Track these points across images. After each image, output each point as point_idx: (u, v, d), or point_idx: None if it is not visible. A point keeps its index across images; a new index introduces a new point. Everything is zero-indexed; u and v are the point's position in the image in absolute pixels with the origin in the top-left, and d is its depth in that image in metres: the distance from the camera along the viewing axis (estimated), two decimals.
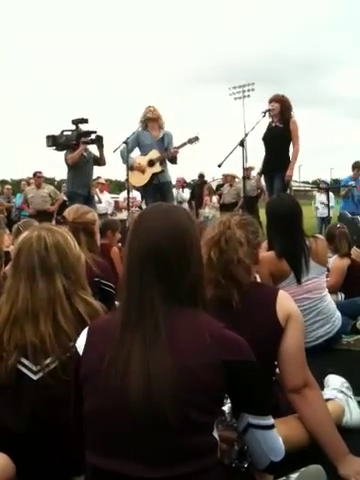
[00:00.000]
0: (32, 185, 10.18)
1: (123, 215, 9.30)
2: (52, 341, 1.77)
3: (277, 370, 2.03)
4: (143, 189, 6.72)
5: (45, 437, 1.74)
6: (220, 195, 11.40)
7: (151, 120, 6.46)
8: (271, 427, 1.49)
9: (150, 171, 6.39)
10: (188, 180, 15.38)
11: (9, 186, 13.82)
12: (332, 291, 4.01)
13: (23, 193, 10.40)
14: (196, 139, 6.46)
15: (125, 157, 6.37)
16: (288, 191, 6.44)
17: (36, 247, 1.85)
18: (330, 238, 4.53)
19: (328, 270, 4.13)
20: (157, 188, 6.48)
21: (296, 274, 3.13)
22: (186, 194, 12.53)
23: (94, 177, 11.49)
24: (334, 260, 4.48)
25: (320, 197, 12.18)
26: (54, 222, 6.72)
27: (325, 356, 3.02)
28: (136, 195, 8.90)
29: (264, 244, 3.04)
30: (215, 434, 1.38)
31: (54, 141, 6.76)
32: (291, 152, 6.32)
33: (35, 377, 1.78)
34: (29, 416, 1.75)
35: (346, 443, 1.88)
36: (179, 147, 6.47)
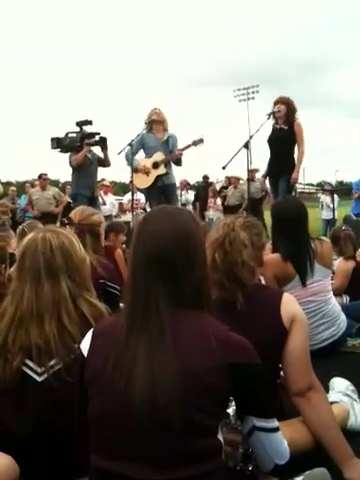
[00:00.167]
0: (37, 187, 10.19)
1: (127, 217, 9.30)
2: (57, 342, 1.77)
3: (282, 373, 2.02)
4: (147, 191, 6.72)
5: (49, 439, 1.74)
6: (224, 197, 11.40)
7: (156, 122, 6.46)
8: (276, 430, 1.49)
9: (155, 173, 6.40)
10: (192, 182, 15.40)
11: (14, 188, 13.85)
12: (337, 293, 4.00)
13: (28, 195, 10.42)
14: (201, 141, 6.46)
15: (130, 159, 6.38)
16: (293, 193, 6.43)
17: (41, 249, 1.85)
18: (335, 240, 4.52)
19: (333, 272, 4.12)
20: (161, 190, 6.49)
21: (301, 277, 3.12)
22: (190, 196, 12.54)
23: (98, 179, 11.55)
24: (339, 262, 4.46)
25: (325, 199, 12.16)
26: (59, 224, 6.73)
27: (330, 359, 3.01)
28: (140, 197, 8.91)
29: (268, 245, 3.03)
30: (220, 437, 1.38)
31: (58, 143, 6.79)
32: (296, 154, 6.32)
33: (39, 379, 1.78)
34: (33, 418, 1.75)
35: (351, 446, 1.87)
36: (183, 149, 6.47)
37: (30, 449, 1.74)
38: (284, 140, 6.27)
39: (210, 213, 11.61)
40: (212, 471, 1.31)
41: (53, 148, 6.83)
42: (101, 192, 10.73)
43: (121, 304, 3.10)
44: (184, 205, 11.02)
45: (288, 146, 6.28)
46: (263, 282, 2.94)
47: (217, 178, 13.12)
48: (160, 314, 1.34)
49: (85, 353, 1.45)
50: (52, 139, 6.82)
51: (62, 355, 1.77)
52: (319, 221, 12.11)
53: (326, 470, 1.76)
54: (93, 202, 6.59)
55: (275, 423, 1.49)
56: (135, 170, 6.43)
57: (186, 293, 1.39)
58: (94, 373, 1.39)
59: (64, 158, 6.89)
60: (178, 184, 9.96)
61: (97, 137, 6.72)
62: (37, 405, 1.76)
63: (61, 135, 6.84)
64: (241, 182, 10.74)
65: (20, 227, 4.78)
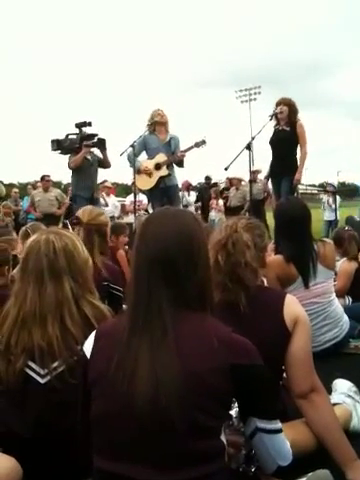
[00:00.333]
0: (39, 188, 10.20)
1: (130, 218, 9.30)
2: (60, 344, 1.77)
3: (284, 374, 2.02)
4: (150, 192, 6.72)
5: (52, 440, 1.74)
6: (225, 198, 11.39)
7: (159, 124, 6.46)
8: (279, 431, 1.49)
9: (157, 175, 6.40)
10: (194, 183, 15.38)
11: (16, 189, 13.87)
12: (340, 295, 4.00)
13: (30, 196, 10.43)
14: (203, 143, 6.46)
15: (132, 161, 6.38)
16: (295, 194, 6.43)
17: (44, 250, 1.85)
18: (339, 241, 4.50)
19: (336, 274, 4.11)
20: (164, 191, 6.49)
21: (304, 278, 3.12)
22: (192, 197, 12.52)
23: (100, 180, 11.55)
24: (342, 263, 4.45)
25: (327, 200, 12.15)
26: (61, 225, 6.74)
27: (333, 360, 3.01)
28: (142, 198, 8.91)
29: (271, 246, 3.03)
30: (223, 438, 1.37)
31: (59, 145, 6.81)
32: (298, 155, 6.31)
33: (42, 381, 1.78)
34: (36, 419, 1.75)
35: (354, 448, 1.87)
36: (186, 151, 6.47)
37: (33, 451, 1.74)
38: (286, 141, 6.26)
39: (212, 214, 11.59)
40: (215, 473, 1.31)
41: (53, 150, 6.84)
42: (103, 193, 10.73)
43: (124, 306, 3.11)
44: (186, 206, 11.01)
45: (290, 147, 6.28)
46: (265, 283, 2.94)
47: (219, 179, 13.11)
48: (162, 315, 1.34)
49: (88, 355, 1.45)
50: (52, 141, 6.83)
51: (65, 357, 1.77)
52: (321, 222, 12.09)
53: (329, 472, 1.76)
54: (93, 203, 6.57)
55: (278, 424, 1.49)
56: (137, 171, 6.43)
57: (189, 295, 1.39)
58: (97, 374, 1.39)
59: (65, 160, 6.92)
60: (180, 185, 9.96)
61: (95, 138, 6.73)
62: (40, 407, 1.76)
63: (61, 137, 6.85)
64: (243, 183, 10.72)
65: (23, 229, 4.79)
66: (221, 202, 11.56)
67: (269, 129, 6.45)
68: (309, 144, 6.31)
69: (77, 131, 6.78)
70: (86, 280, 1.94)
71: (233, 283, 1.96)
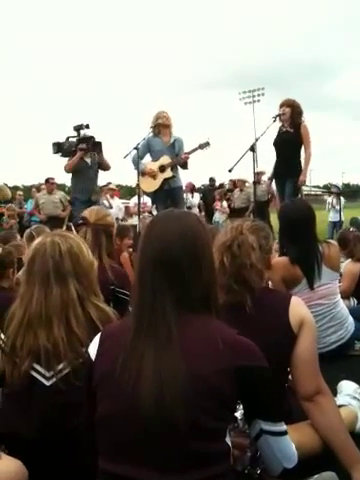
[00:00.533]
0: (43, 191, 10.23)
1: (134, 220, 9.30)
2: (65, 346, 1.78)
3: (290, 376, 2.02)
4: (154, 194, 6.72)
5: (57, 442, 1.75)
6: (228, 199, 11.39)
7: (163, 126, 6.47)
8: (284, 433, 1.49)
9: (161, 177, 6.40)
10: (198, 185, 15.39)
11: (21, 192, 13.91)
12: (344, 296, 3.99)
13: (34, 199, 10.46)
14: (207, 144, 6.45)
15: (136, 163, 6.39)
16: (299, 196, 6.42)
17: (50, 252, 1.86)
18: (343, 243, 4.49)
19: (341, 275, 4.10)
20: (168, 193, 6.49)
21: (309, 280, 3.11)
22: (196, 199, 12.53)
23: (104, 183, 11.56)
24: (347, 265, 4.44)
25: (331, 201, 12.13)
26: (65, 227, 6.76)
27: (338, 362, 3.01)
28: (147, 200, 8.92)
29: (274, 246, 3.02)
30: (228, 440, 1.37)
31: (59, 148, 6.84)
32: (302, 157, 6.31)
33: (48, 383, 1.79)
34: (41, 421, 1.76)
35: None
36: (190, 153, 6.47)
37: (38, 452, 1.75)
38: (290, 143, 6.26)
39: (216, 216, 11.59)
40: (220, 475, 1.31)
41: (54, 153, 6.87)
42: (107, 196, 10.74)
43: (130, 308, 3.10)
44: (189, 208, 11.00)
45: (294, 149, 6.27)
46: (270, 285, 2.94)
47: (223, 181, 13.11)
48: (167, 317, 1.34)
49: (93, 357, 1.45)
50: (53, 144, 6.87)
51: (70, 359, 1.77)
52: (325, 223, 12.07)
53: (335, 474, 1.76)
54: (88, 207, 6.57)
55: (283, 427, 1.48)
56: (142, 173, 6.44)
57: (193, 296, 1.39)
58: (102, 376, 1.39)
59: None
60: (184, 187, 9.96)
61: (90, 141, 6.72)
62: (45, 409, 1.76)
63: (62, 138, 6.88)
64: (247, 185, 10.73)
65: (27, 231, 4.80)
66: (225, 204, 11.55)
67: (273, 130, 6.45)
68: (313, 145, 6.30)
69: (75, 134, 6.81)
70: (91, 282, 1.94)
71: (238, 285, 1.96)
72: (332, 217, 11.88)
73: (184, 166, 6.54)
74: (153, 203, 7.41)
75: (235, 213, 10.11)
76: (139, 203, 6.82)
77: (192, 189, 12.36)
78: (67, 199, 9.97)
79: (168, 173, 6.38)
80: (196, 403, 1.27)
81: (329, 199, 12.65)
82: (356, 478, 1.79)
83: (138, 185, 6.60)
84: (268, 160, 7.00)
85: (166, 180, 6.41)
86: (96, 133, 6.82)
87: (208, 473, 1.29)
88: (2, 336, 1.94)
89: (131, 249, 5.35)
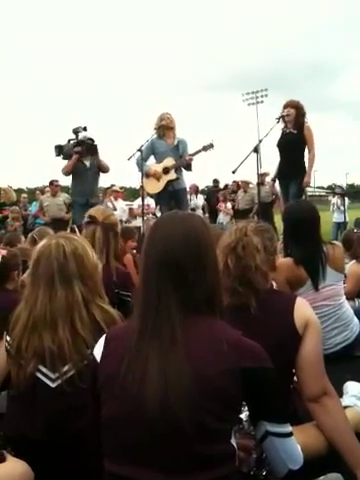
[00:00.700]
0: (48, 193, 10.26)
1: (138, 222, 9.32)
2: (70, 348, 1.78)
3: (295, 378, 2.01)
4: (158, 196, 6.73)
5: (63, 444, 1.75)
6: (233, 201, 11.38)
7: (167, 128, 6.47)
8: (289, 435, 1.48)
9: (165, 178, 6.40)
10: (202, 187, 15.40)
11: (25, 195, 13.94)
12: (349, 297, 3.97)
13: (39, 201, 10.49)
14: (211, 146, 6.46)
15: (140, 165, 6.40)
16: (303, 197, 6.41)
17: (55, 254, 1.87)
18: (348, 244, 4.48)
19: (345, 276, 4.09)
20: (172, 195, 6.50)
21: (313, 281, 3.11)
22: (199, 201, 12.53)
23: (108, 185, 11.58)
24: (351, 266, 4.43)
25: (336, 202, 12.12)
26: (69, 230, 6.77)
27: (343, 363, 3.00)
28: (150, 202, 8.92)
29: (279, 247, 3.02)
30: (233, 442, 1.37)
31: (60, 151, 6.92)
32: (306, 158, 6.30)
33: (53, 385, 1.79)
34: (46, 423, 1.76)
35: None
36: (194, 154, 6.47)
37: (44, 454, 1.75)
38: (294, 144, 6.25)
39: (220, 217, 11.58)
40: (225, 476, 1.31)
41: (57, 156, 6.94)
42: (111, 198, 10.77)
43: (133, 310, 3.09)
44: (193, 210, 11.00)
45: (298, 150, 6.26)
46: (275, 286, 2.93)
47: (228, 183, 13.10)
48: (171, 320, 1.34)
49: (98, 359, 1.45)
50: (55, 147, 6.93)
51: (75, 361, 1.78)
52: (330, 224, 12.06)
53: (340, 475, 1.76)
54: (87, 209, 6.57)
55: (288, 428, 1.48)
56: (146, 175, 6.45)
57: (198, 298, 1.39)
58: (107, 378, 1.39)
59: None
60: (188, 189, 9.96)
61: (84, 145, 6.77)
62: (50, 411, 1.77)
63: (63, 140, 6.95)
64: (251, 186, 10.71)
65: (30, 235, 4.81)
66: (229, 205, 11.55)
67: (276, 132, 6.45)
68: (317, 146, 6.29)
69: (74, 136, 6.85)
70: (96, 284, 1.95)
71: (243, 287, 1.96)
72: (336, 218, 11.87)
73: (188, 168, 6.55)
74: (157, 205, 7.42)
75: (239, 215, 10.10)
76: (143, 205, 6.83)
77: (196, 191, 12.37)
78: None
79: (172, 175, 6.39)
80: (201, 405, 1.27)
81: (333, 200, 12.64)
82: None
83: (142, 187, 6.61)
84: (272, 161, 7.00)
85: (170, 182, 6.41)
86: (96, 134, 6.87)
87: (213, 475, 1.28)
88: (8, 338, 1.94)
89: (135, 251, 5.35)
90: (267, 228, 2.19)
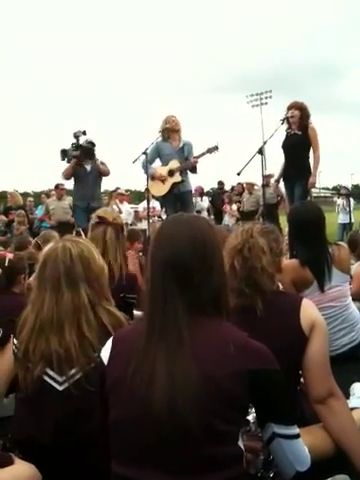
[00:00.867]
0: (53, 197, 10.30)
1: (143, 225, 9.34)
2: (77, 351, 1.79)
3: (302, 379, 2.01)
4: (163, 199, 6.74)
5: (70, 447, 1.75)
6: (238, 202, 11.37)
7: (172, 130, 6.48)
8: (296, 436, 1.48)
9: (170, 181, 6.42)
10: (207, 189, 15.39)
11: (31, 198, 13.98)
12: (355, 298, 3.96)
13: (44, 205, 10.52)
14: (215, 149, 6.46)
15: (145, 167, 6.41)
16: (308, 198, 6.41)
17: (61, 257, 1.87)
18: (353, 245, 4.47)
19: (351, 278, 4.08)
20: (177, 197, 6.51)
21: (319, 282, 3.10)
22: (205, 203, 12.53)
23: (113, 188, 11.61)
24: (357, 267, 4.41)
25: (341, 203, 12.09)
26: (74, 233, 6.79)
27: (350, 365, 2.98)
28: (156, 205, 8.94)
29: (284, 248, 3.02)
30: (240, 444, 1.37)
31: (64, 155, 6.97)
32: (310, 159, 6.30)
33: (60, 388, 1.80)
34: (54, 426, 1.77)
35: None
36: (198, 157, 6.48)
37: (52, 457, 1.76)
38: (298, 145, 6.25)
39: (226, 219, 11.58)
40: (233, 478, 1.31)
41: (62, 160, 7.01)
42: (117, 200, 10.80)
43: (135, 312, 3.09)
44: (199, 212, 11.00)
45: (302, 151, 6.26)
46: (281, 288, 2.93)
47: (233, 185, 13.10)
48: (178, 321, 1.35)
49: (105, 361, 1.45)
50: (61, 151, 7.00)
51: (82, 364, 1.78)
52: (335, 225, 12.02)
53: (348, 477, 1.75)
54: (88, 213, 6.59)
55: (295, 430, 1.48)
56: (151, 178, 6.46)
57: (204, 300, 1.40)
58: (114, 381, 1.40)
59: None
60: (193, 191, 9.96)
61: (80, 149, 6.85)
62: (58, 414, 1.77)
63: (67, 145, 6.99)
64: (256, 188, 10.71)
65: (34, 240, 4.82)
66: (235, 207, 11.54)
67: (281, 133, 6.45)
68: (324, 147, 6.29)
69: (75, 140, 6.92)
70: (102, 287, 1.95)
71: (249, 288, 1.96)
72: (342, 219, 11.84)
73: (193, 170, 6.56)
74: (162, 207, 7.44)
75: (245, 217, 10.09)
76: (148, 207, 6.84)
77: (201, 193, 12.38)
78: None
79: (177, 177, 6.40)
80: (208, 406, 1.27)
81: (339, 201, 12.61)
82: None
83: (147, 189, 6.63)
84: (276, 163, 7.00)
85: (175, 184, 6.42)
86: (100, 137, 6.96)
87: (221, 477, 1.29)
88: (15, 341, 1.95)
89: (141, 253, 5.36)
90: (273, 230, 2.19)
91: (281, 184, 7.10)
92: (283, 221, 6.14)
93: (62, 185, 9.80)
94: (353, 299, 3.50)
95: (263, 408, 1.44)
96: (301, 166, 6.27)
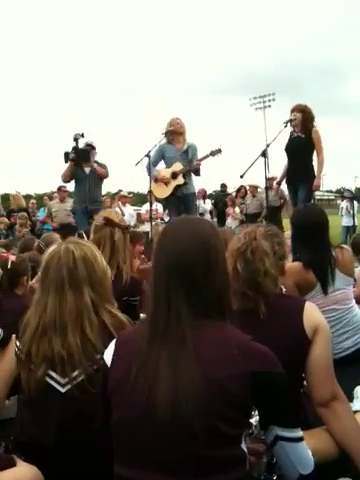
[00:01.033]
0: (56, 199, 10.32)
1: (146, 227, 9.34)
2: (80, 353, 1.79)
3: (305, 382, 2.00)
4: (166, 201, 6.76)
5: (73, 449, 1.75)
6: (242, 204, 11.37)
7: (176, 133, 6.49)
8: (300, 439, 1.47)
9: (173, 183, 6.43)
10: (210, 191, 15.39)
11: (34, 201, 14.01)
12: (359, 301, 3.95)
13: (47, 207, 10.55)
14: (218, 151, 6.47)
15: (149, 170, 6.42)
16: (312, 201, 6.40)
17: (64, 260, 1.87)
18: (357, 248, 4.46)
19: (355, 280, 4.07)
20: (180, 200, 6.52)
21: (323, 285, 3.09)
22: (207, 205, 12.54)
23: (116, 190, 11.63)
24: None
25: (345, 206, 12.08)
26: (77, 235, 6.80)
27: (353, 367, 2.97)
28: (158, 207, 8.94)
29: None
30: (243, 446, 1.37)
31: (66, 157, 7.03)
32: (314, 162, 6.29)
33: (63, 390, 1.80)
34: (57, 428, 1.76)
35: None
36: (201, 159, 6.49)
37: (54, 459, 1.76)
38: (302, 148, 6.25)
39: (229, 222, 11.58)
40: None
41: (65, 162, 7.06)
42: (119, 203, 10.81)
43: (142, 315, 3.08)
44: (202, 214, 11.01)
45: (306, 154, 6.26)
46: (284, 291, 2.92)
47: (234, 187, 13.10)
48: (182, 324, 1.35)
49: (108, 363, 1.46)
50: (64, 154, 7.04)
51: (85, 366, 1.78)
52: (339, 228, 12.01)
53: None
54: (87, 216, 6.65)
55: (299, 433, 1.47)
56: (155, 180, 6.48)
57: (208, 303, 1.40)
58: (117, 383, 1.40)
59: None
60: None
61: (77, 151, 6.89)
62: (60, 416, 1.77)
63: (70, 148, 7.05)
64: (259, 190, 10.71)
65: (36, 243, 4.82)
66: (238, 209, 11.54)
67: (284, 136, 6.45)
68: (328, 150, 6.30)
69: (74, 144, 6.97)
70: (105, 289, 1.95)
71: (252, 291, 1.96)
72: (345, 222, 11.83)
73: (197, 173, 6.57)
74: (165, 209, 7.44)
75: (249, 219, 10.08)
76: (151, 210, 6.84)
77: (204, 195, 12.38)
78: None
79: (180, 180, 6.41)
80: (211, 408, 1.27)
81: (342, 204, 12.60)
82: None
83: (150, 192, 6.63)
84: (280, 166, 7.00)
85: (178, 187, 6.43)
86: (100, 138, 6.98)
87: (223, 479, 1.29)
88: (17, 343, 1.95)
89: (143, 255, 5.35)
90: (276, 232, 2.19)
91: (284, 187, 7.11)
92: (286, 224, 6.13)
93: (64, 187, 9.82)
94: (357, 302, 3.49)
95: (266, 411, 1.44)
96: (305, 169, 6.27)
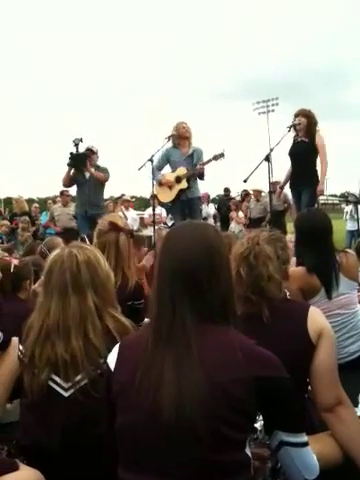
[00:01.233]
0: (58, 203, 10.33)
1: (148, 231, 9.34)
2: (83, 357, 1.78)
3: (310, 387, 2.00)
4: (170, 205, 6.76)
5: (77, 453, 1.75)
6: (246, 208, 11.37)
7: (182, 137, 6.50)
8: (305, 444, 1.47)
9: (177, 187, 6.43)
10: (213, 195, 15.40)
11: (37, 205, 14.04)
12: None
13: (49, 211, 10.56)
14: (221, 156, 6.47)
15: (153, 174, 6.42)
16: (316, 205, 6.39)
17: (68, 264, 1.87)
18: None
19: (359, 285, 4.05)
20: (184, 204, 6.52)
21: (327, 289, 3.09)
22: (211, 209, 12.54)
23: (118, 195, 11.64)
24: None
25: (349, 210, 12.05)
26: (79, 239, 6.81)
27: (358, 372, 2.96)
28: (161, 211, 8.94)
29: (292, 259, 3.01)
30: (248, 451, 1.36)
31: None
32: (318, 166, 6.29)
33: (66, 394, 1.79)
34: (61, 432, 1.76)
35: None
36: (205, 164, 6.48)
37: (58, 463, 1.75)
38: (306, 152, 6.25)
39: (232, 226, 11.57)
40: None
41: (68, 165, 7.10)
42: (122, 207, 10.82)
43: (146, 319, 3.07)
44: (205, 218, 11.01)
45: (309, 158, 6.26)
46: (288, 295, 2.92)
47: (238, 191, 13.10)
48: (186, 329, 1.34)
49: (112, 367, 1.45)
50: (70, 154, 7.06)
51: (88, 370, 1.78)
52: (343, 232, 11.97)
53: None
54: (88, 220, 6.65)
55: (304, 438, 1.47)
56: (159, 183, 6.49)
57: (212, 307, 1.39)
58: (121, 387, 1.39)
59: None
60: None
61: (73, 156, 6.93)
62: (64, 420, 1.77)
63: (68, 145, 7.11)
64: (263, 195, 10.70)
65: (38, 248, 4.83)
66: (241, 214, 11.54)
67: (288, 140, 6.45)
68: (332, 154, 6.29)
69: (75, 148, 7.02)
70: (109, 293, 1.95)
71: (256, 296, 1.96)
72: (350, 226, 11.78)
73: (201, 177, 6.57)
74: (168, 214, 7.44)
75: (253, 224, 10.07)
76: (154, 214, 6.85)
77: (207, 199, 12.39)
78: None
79: (183, 184, 6.41)
80: (216, 413, 1.27)
81: (347, 208, 12.56)
82: None
83: (153, 196, 6.64)
84: (283, 170, 6.99)
85: (182, 191, 6.43)
86: (102, 142, 7.01)
87: None
88: (20, 347, 1.95)
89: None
90: (280, 237, 2.18)
91: (288, 191, 7.10)
92: (290, 228, 6.13)
93: (67, 192, 9.83)
94: None
95: (271, 415, 1.44)
96: (308, 173, 6.26)
